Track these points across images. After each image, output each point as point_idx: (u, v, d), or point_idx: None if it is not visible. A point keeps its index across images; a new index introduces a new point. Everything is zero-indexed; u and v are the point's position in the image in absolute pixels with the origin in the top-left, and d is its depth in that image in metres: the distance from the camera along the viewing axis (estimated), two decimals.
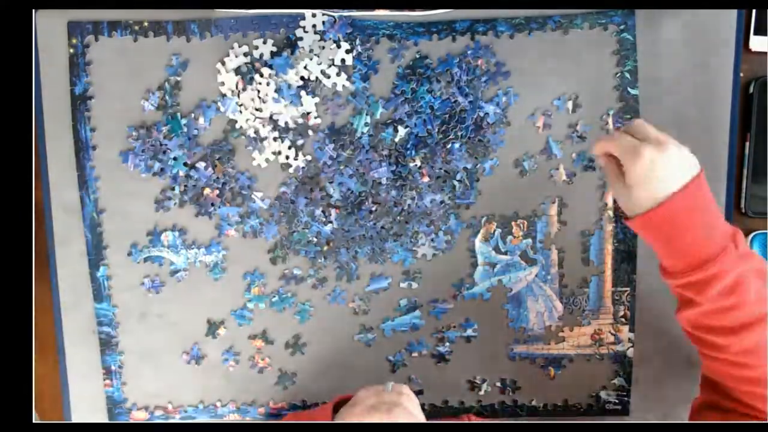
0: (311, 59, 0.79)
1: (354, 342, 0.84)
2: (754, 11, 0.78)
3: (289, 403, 0.85)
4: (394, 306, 0.83)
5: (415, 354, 0.83)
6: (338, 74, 0.79)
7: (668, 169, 0.61)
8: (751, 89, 0.79)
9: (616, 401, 0.83)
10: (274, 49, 0.79)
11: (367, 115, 0.80)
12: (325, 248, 0.82)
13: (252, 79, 0.79)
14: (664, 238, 0.63)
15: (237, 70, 0.79)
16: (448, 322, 0.83)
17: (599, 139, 0.67)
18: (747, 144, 0.79)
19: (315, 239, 0.82)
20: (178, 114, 0.81)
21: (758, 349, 0.63)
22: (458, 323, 0.83)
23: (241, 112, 0.80)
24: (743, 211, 0.80)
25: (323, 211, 0.81)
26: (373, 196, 0.81)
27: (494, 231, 0.82)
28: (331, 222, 0.81)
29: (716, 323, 0.64)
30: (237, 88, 0.80)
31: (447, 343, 0.83)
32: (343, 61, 0.79)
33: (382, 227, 0.81)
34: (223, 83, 0.80)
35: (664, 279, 0.67)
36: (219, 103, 0.80)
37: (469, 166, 0.81)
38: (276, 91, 0.79)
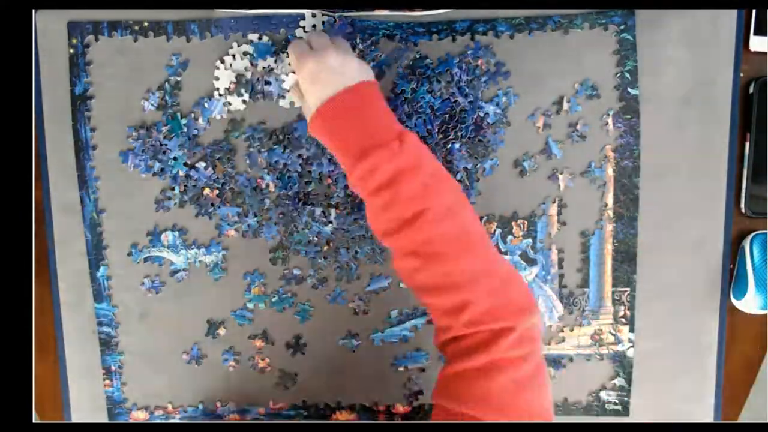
0: None
1: (342, 345, 0.84)
2: (754, 11, 0.78)
3: (290, 404, 0.85)
4: (384, 317, 0.83)
5: (409, 367, 0.83)
6: None
7: (328, 74, 0.66)
8: (751, 89, 0.79)
9: (616, 401, 0.83)
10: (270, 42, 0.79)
11: None
12: (325, 248, 0.82)
13: (248, 81, 0.79)
14: (328, 132, 0.66)
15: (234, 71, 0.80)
16: None
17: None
18: (747, 144, 0.79)
19: (315, 239, 0.82)
20: (178, 114, 0.81)
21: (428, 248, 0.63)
22: None
23: (229, 111, 0.80)
24: (743, 211, 0.80)
25: (323, 211, 0.81)
26: None
27: (494, 231, 0.82)
28: (331, 222, 0.81)
29: (383, 226, 0.65)
30: (229, 86, 0.80)
31: None
32: None
33: None
34: (218, 78, 0.79)
35: (349, 183, 0.68)
36: (206, 103, 0.80)
37: (469, 166, 0.81)
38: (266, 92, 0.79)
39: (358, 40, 0.79)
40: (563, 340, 0.83)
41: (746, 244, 0.80)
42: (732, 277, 0.81)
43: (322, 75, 0.66)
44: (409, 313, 0.83)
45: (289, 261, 0.83)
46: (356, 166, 0.64)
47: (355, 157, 0.64)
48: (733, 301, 0.81)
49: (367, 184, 0.64)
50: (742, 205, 0.80)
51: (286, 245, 0.82)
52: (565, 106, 0.79)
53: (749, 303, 0.79)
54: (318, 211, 0.81)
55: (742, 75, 0.79)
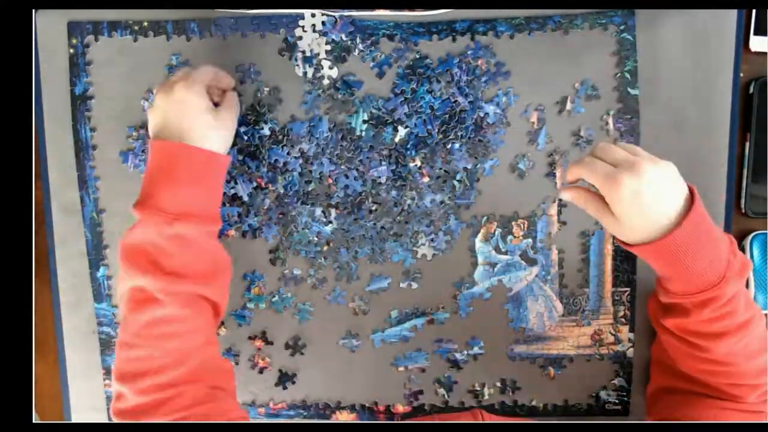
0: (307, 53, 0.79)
1: (342, 345, 0.84)
2: (754, 11, 0.78)
3: (289, 403, 0.85)
4: (384, 317, 0.83)
5: (409, 367, 0.83)
6: (330, 68, 0.79)
7: (653, 193, 0.59)
8: (751, 89, 0.79)
9: (616, 401, 0.83)
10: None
11: (364, 112, 0.80)
12: (325, 248, 0.82)
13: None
14: (670, 264, 0.61)
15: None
16: (453, 345, 0.83)
17: (570, 166, 0.64)
18: (747, 144, 0.79)
19: (315, 239, 0.82)
20: None
21: (742, 351, 0.65)
22: (464, 342, 0.83)
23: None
24: (743, 211, 0.80)
25: (323, 212, 0.81)
26: (373, 196, 0.81)
27: (494, 231, 0.82)
28: (331, 222, 0.81)
29: (706, 329, 0.64)
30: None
31: (457, 367, 0.83)
32: (344, 57, 0.79)
33: (382, 227, 0.81)
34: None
35: (664, 297, 0.67)
36: None
37: (469, 166, 0.81)
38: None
39: (358, 40, 0.79)
40: (563, 340, 0.83)
41: (746, 244, 0.80)
42: None
43: (644, 197, 0.59)
44: (409, 313, 0.83)
45: (289, 261, 0.83)
46: (698, 294, 0.62)
47: (700, 287, 0.61)
48: None
49: (710, 304, 0.62)
50: (743, 205, 0.80)
51: (286, 245, 0.82)
52: (569, 105, 0.79)
53: None
54: (318, 211, 0.81)
55: (742, 75, 0.79)
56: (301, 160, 0.81)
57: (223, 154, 0.70)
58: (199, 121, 0.67)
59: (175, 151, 0.66)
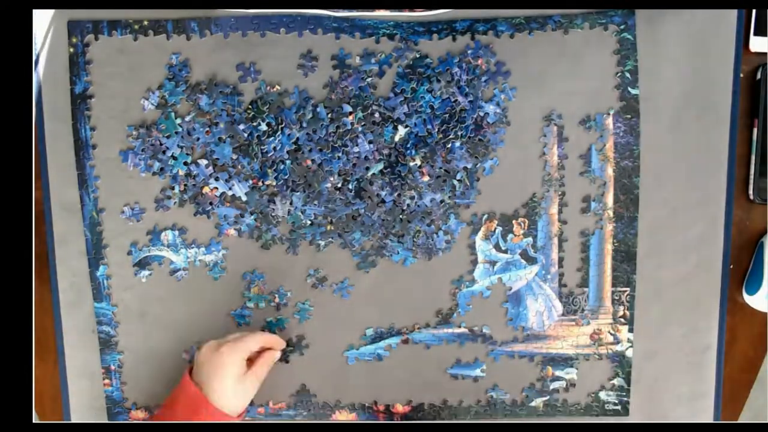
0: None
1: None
2: (754, 11, 0.78)
3: (289, 403, 0.85)
4: (360, 334, 0.83)
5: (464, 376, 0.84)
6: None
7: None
8: (758, 75, 0.79)
9: (616, 401, 0.83)
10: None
11: (359, 108, 0.80)
12: (329, 227, 0.82)
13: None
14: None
15: None
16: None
17: None
18: (755, 130, 0.79)
19: (317, 220, 0.82)
20: (172, 114, 0.81)
21: None
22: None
23: None
24: (751, 197, 0.80)
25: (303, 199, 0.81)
26: (370, 194, 0.81)
27: (495, 229, 0.82)
28: (326, 218, 0.81)
29: None
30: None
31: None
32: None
33: (381, 225, 0.81)
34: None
35: None
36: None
37: (469, 165, 0.81)
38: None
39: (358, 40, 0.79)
40: (563, 340, 0.83)
41: (766, 240, 0.80)
42: (741, 272, 0.82)
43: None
44: (385, 331, 0.83)
45: (299, 248, 0.82)
46: None
47: None
48: (745, 296, 0.81)
49: None
50: (750, 192, 0.80)
51: (290, 238, 0.82)
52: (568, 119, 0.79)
53: (760, 300, 0.79)
54: (295, 197, 0.81)
55: (741, 75, 0.79)
56: (292, 147, 0.80)
57: (233, 414, 0.74)
58: (224, 385, 0.73)
59: (196, 401, 0.72)
